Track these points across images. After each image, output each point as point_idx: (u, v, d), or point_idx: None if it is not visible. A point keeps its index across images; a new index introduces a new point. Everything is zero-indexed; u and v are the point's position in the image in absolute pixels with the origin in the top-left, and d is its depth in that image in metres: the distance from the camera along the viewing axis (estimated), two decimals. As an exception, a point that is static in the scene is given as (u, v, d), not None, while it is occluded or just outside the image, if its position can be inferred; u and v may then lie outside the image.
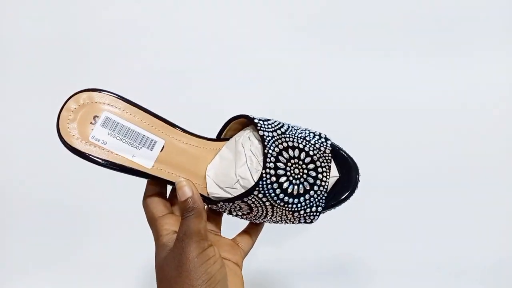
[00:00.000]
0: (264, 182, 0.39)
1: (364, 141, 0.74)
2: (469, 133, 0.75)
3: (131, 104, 0.39)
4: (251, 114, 0.42)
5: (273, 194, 0.39)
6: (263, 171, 0.39)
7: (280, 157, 0.40)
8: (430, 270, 0.75)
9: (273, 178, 0.39)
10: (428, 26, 0.75)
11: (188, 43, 0.76)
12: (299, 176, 0.40)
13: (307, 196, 0.40)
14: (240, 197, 0.39)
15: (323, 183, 0.41)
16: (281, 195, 0.39)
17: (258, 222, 0.43)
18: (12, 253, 0.76)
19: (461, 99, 0.75)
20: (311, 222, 0.42)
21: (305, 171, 0.40)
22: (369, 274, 0.75)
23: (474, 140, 0.75)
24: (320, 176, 0.41)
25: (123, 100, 0.39)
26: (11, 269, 0.75)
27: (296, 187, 0.40)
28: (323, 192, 0.41)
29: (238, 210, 0.41)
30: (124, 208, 0.72)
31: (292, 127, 0.43)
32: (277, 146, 0.40)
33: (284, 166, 0.39)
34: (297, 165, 0.40)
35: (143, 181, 0.45)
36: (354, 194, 0.43)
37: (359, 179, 0.43)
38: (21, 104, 0.76)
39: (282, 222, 0.42)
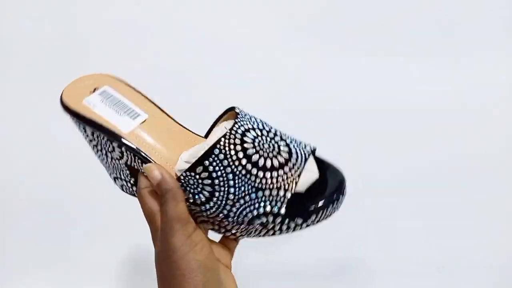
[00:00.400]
0: (227, 141, 0.36)
1: (364, 141, 0.74)
2: (469, 133, 0.74)
3: (130, 87, 0.42)
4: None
5: (234, 157, 0.35)
6: (228, 132, 0.36)
7: (251, 131, 0.37)
8: (430, 270, 0.74)
9: (237, 141, 0.36)
10: (428, 26, 0.75)
11: (188, 43, 0.76)
12: (268, 150, 0.36)
13: (274, 174, 0.36)
14: (201, 159, 0.36)
15: (295, 167, 0.37)
16: (244, 161, 0.36)
17: (222, 226, 0.38)
18: (12, 253, 0.76)
19: (461, 99, 0.75)
20: (277, 215, 0.36)
21: (276, 148, 0.37)
22: (369, 274, 0.75)
23: (474, 140, 0.74)
24: (293, 160, 0.37)
25: (124, 84, 0.42)
26: (11, 269, 0.75)
27: (263, 159, 0.36)
28: (294, 176, 0.36)
29: (201, 189, 0.36)
30: (125, 208, 0.72)
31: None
32: (250, 122, 0.38)
33: (252, 138, 0.36)
34: (267, 141, 0.37)
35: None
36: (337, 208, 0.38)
37: (344, 191, 0.39)
38: (21, 104, 0.76)
39: (245, 217, 0.37)
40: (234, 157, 0.36)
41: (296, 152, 0.37)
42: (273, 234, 0.38)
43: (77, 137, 0.73)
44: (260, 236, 0.38)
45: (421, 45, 0.75)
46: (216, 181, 0.36)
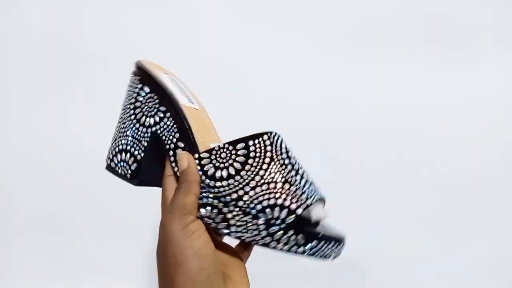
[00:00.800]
0: (274, 136, 0.38)
1: (364, 142, 0.74)
2: (469, 135, 0.73)
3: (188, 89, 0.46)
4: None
5: (278, 147, 0.38)
6: (276, 133, 0.39)
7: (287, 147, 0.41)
8: (430, 270, 0.74)
9: (282, 139, 0.39)
10: (429, 26, 0.74)
11: (189, 46, 0.75)
12: (299, 165, 0.39)
13: (302, 181, 0.38)
14: (246, 138, 0.38)
15: (315, 193, 0.38)
16: (284, 155, 0.38)
17: (223, 212, 0.37)
18: (12, 253, 0.75)
19: (461, 99, 0.74)
20: (292, 213, 0.36)
21: (302, 169, 0.39)
22: (368, 276, 0.74)
23: (474, 141, 0.74)
24: (314, 186, 0.39)
25: (185, 84, 0.46)
26: (10, 269, 0.75)
27: (297, 165, 0.39)
28: (314, 195, 0.38)
29: (229, 165, 0.37)
30: (125, 208, 0.72)
31: None
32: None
33: (289, 149, 0.40)
34: (296, 160, 0.40)
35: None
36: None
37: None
38: (21, 105, 0.76)
39: (258, 204, 0.37)
40: (278, 147, 0.38)
41: (315, 185, 0.39)
42: (269, 242, 0.37)
43: (77, 137, 0.73)
44: (255, 238, 0.37)
45: (421, 46, 0.74)
46: (251, 161, 0.37)
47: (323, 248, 0.36)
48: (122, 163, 0.43)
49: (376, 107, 0.74)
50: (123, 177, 0.43)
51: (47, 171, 0.74)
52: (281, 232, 0.36)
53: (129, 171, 0.42)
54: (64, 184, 0.75)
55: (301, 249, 0.36)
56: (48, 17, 0.75)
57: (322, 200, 0.39)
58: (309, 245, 0.36)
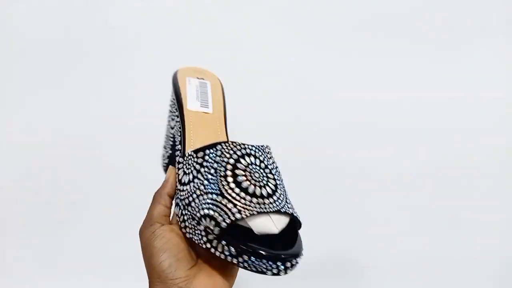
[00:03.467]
0: (231, 147, 0.41)
1: (363, 141, 0.75)
2: (468, 134, 0.75)
3: (222, 92, 0.52)
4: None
5: (226, 160, 0.40)
6: (237, 142, 0.43)
7: (252, 157, 0.42)
8: (430, 270, 0.75)
9: (238, 153, 0.41)
10: (428, 26, 0.75)
11: (188, 44, 0.76)
12: (255, 178, 0.40)
13: (241, 194, 0.38)
14: (206, 147, 0.41)
15: (261, 205, 0.38)
16: (229, 166, 0.40)
17: (184, 213, 0.40)
18: (12, 253, 0.76)
19: (461, 98, 0.75)
20: (217, 225, 0.37)
21: (263, 181, 0.40)
22: (369, 275, 0.75)
23: (474, 140, 0.75)
24: (266, 200, 0.38)
25: (221, 88, 0.52)
26: (10, 268, 0.75)
27: (244, 177, 0.39)
28: (254, 209, 0.37)
29: (190, 171, 0.40)
30: (126, 206, 0.73)
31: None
32: (258, 152, 0.43)
33: (248, 163, 0.41)
34: (259, 172, 0.41)
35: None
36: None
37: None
38: (21, 104, 0.76)
39: (198, 212, 0.38)
40: (226, 160, 0.39)
41: (276, 199, 0.38)
42: (210, 247, 0.38)
43: (77, 137, 0.74)
44: (201, 244, 0.38)
45: (420, 44, 0.75)
46: (202, 170, 0.39)
47: (255, 263, 0.36)
48: (163, 157, 0.53)
49: (371, 104, 0.75)
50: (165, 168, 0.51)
51: (47, 169, 0.75)
52: (216, 241, 0.37)
53: (164, 164, 0.52)
54: (64, 183, 0.75)
55: (235, 260, 0.37)
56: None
57: (280, 213, 0.38)
58: (240, 259, 0.37)
